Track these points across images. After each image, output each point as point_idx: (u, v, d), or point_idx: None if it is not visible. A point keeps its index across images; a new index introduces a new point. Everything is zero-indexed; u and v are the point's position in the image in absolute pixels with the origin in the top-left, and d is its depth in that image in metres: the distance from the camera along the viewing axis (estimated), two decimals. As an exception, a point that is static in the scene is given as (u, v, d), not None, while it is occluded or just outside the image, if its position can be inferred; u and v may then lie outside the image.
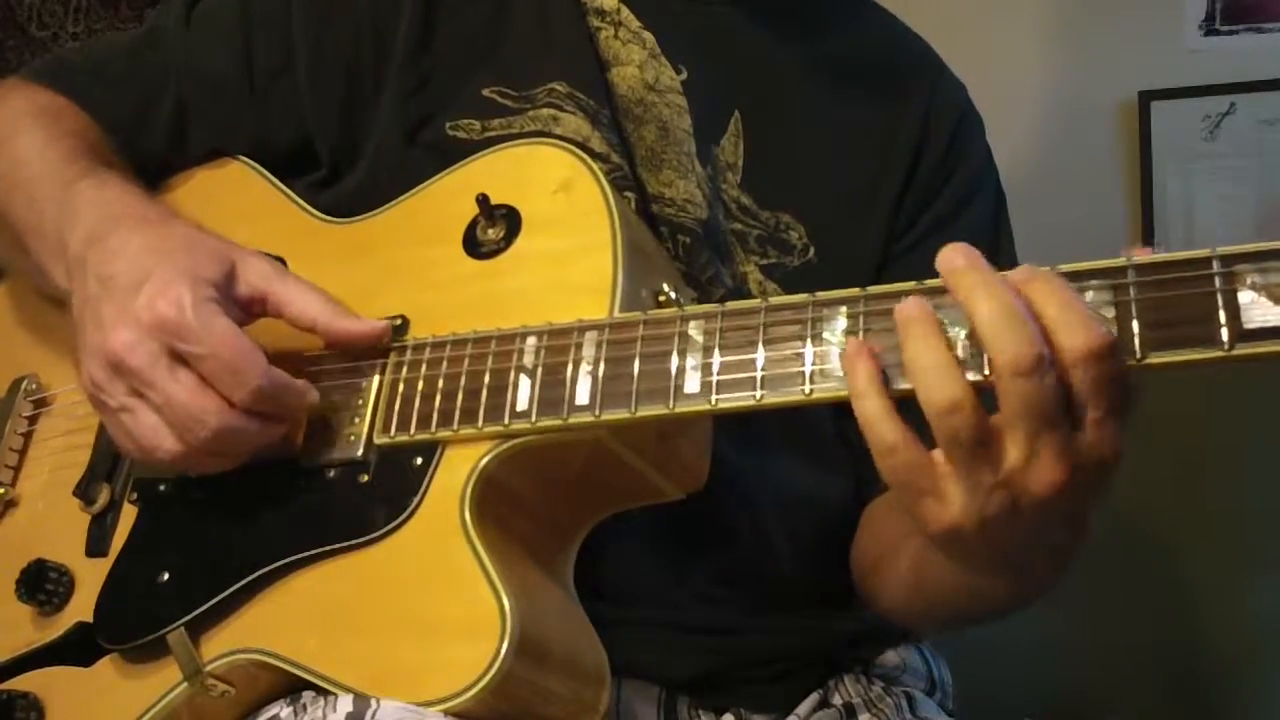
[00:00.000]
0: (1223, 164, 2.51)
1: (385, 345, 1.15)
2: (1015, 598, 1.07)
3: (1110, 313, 0.88)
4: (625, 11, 1.37)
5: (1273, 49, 2.52)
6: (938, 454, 0.90)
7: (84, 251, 1.16)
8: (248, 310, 1.13)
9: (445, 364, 1.11)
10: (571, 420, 1.04)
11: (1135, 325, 0.87)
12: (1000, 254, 1.45)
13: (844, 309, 0.97)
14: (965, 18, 2.55)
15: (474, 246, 1.18)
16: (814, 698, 1.32)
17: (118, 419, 1.11)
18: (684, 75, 1.37)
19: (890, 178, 1.40)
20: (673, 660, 1.25)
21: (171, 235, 1.16)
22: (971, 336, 0.90)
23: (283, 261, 1.26)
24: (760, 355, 0.99)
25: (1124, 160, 2.53)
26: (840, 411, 1.36)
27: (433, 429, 1.09)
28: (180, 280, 1.09)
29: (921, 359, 0.88)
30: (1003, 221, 1.48)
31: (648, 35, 1.37)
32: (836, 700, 1.33)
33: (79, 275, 1.15)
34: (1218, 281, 0.86)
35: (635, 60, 1.36)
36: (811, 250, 1.36)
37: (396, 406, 1.12)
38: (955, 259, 0.90)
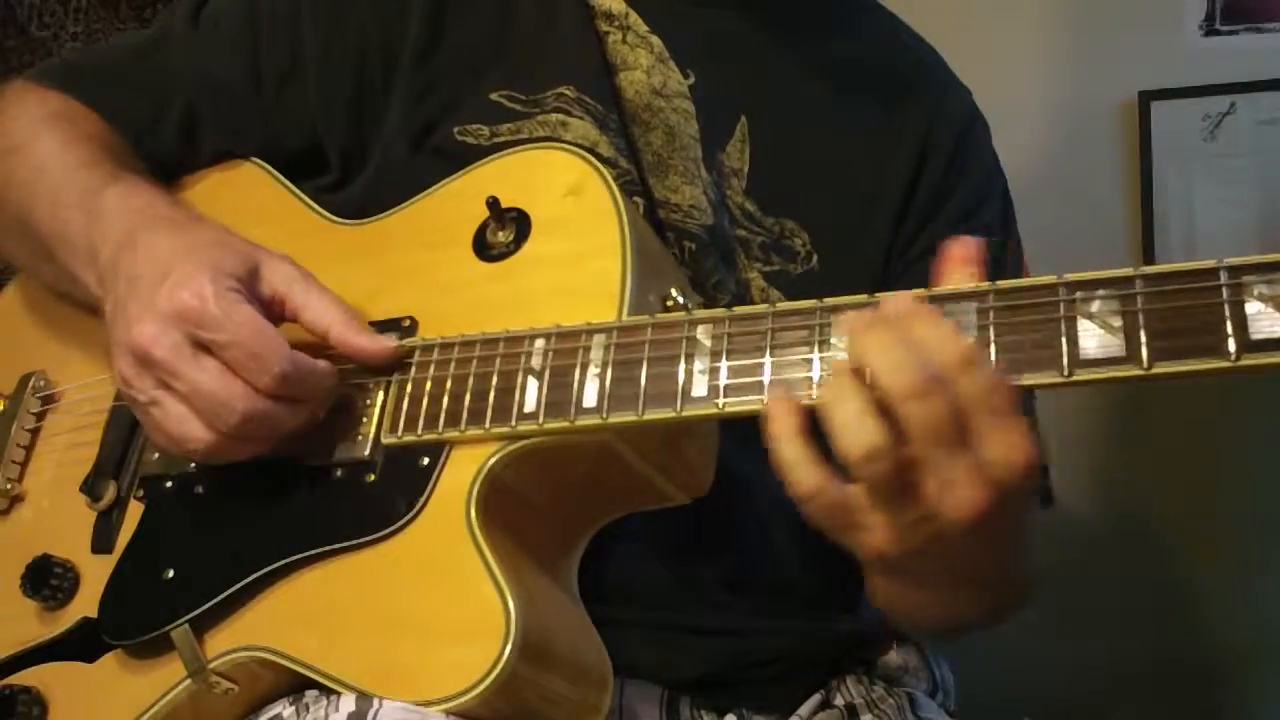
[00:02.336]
0: (1223, 164, 2.50)
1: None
2: (988, 610, 1.10)
3: (1117, 322, 0.89)
4: (633, 15, 1.37)
5: (1273, 49, 2.52)
6: (857, 489, 0.91)
7: (116, 257, 1.16)
8: (269, 310, 1.13)
9: (453, 365, 1.12)
10: (578, 423, 1.05)
11: (1142, 335, 0.88)
12: (1008, 262, 1.45)
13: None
14: (966, 18, 2.55)
15: (484, 249, 1.19)
16: (816, 698, 1.33)
17: (148, 412, 1.12)
18: (691, 80, 1.36)
19: (894, 185, 1.40)
20: (675, 661, 1.25)
21: (199, 235, 1.17)
22: (979, 346, 0.91)
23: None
24: (767, 360, 1.00)
25: (1124, 160, 2.53)
26: None
27: (440, 430, 1.10)
28: (202, 272, 1.10)
29: (836, 410, 0.89)
30: (1011, 228, 1.48)
31: (655, 39, 1.37)
32: (839, 701, 1.33)
33: (111, 281, 1.16)
34: (1225, 292, 0.86)
35: (643, 65, 1.36)
36: (815, 258, 1.36)
37: (404, 407, 1.12)
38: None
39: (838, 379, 0.90)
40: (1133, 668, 2.18)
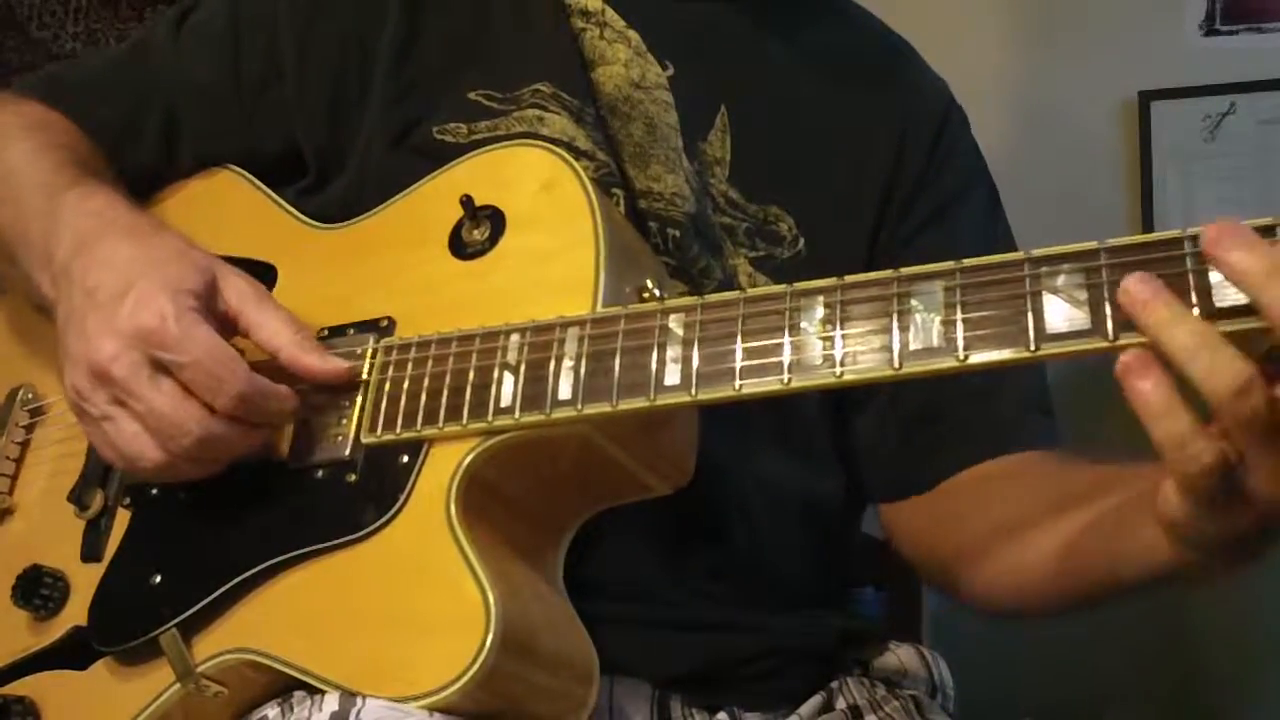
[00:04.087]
0: (1223, 164, 2.50)
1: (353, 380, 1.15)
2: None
3: (1083, 295, 0.89)
4: (609, 12, 1.38)
5: (1273, 49, 2.52)
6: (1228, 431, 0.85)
7: (69, 262, 1.17)
8: (224, 325, 1.14)
9: (430, 363, 1.12)
10: (554, 415, 1.05)
11: (1108, 308, 0.87)
12: (998, 246, 1.45)
13: (821, 298, 0.99)
14: (965, 18, 2.56)
15: (459, 247, 1.19)
16: (818, 700, 1.32)
17: (100, 428, 1.12)
18: (670, 72, 1.37)
19: (876, 171, 1.40)
20: (665, 657, 1.25)
21: (157, 246, 1.17)
22: (946, 324, 0.92)
23: (273, 268, 1.28)
24: (739, 346, 1.00)
25: (1124, 160, 2.53)
26: (833, 413, 1.38)
27: (418, 427, 1.10)
28: (163, 291, 1.10)
29: (1200, 354, 0.83)
30: (998, 213, 1.49)
31: (632, 34, 1.38)
32: (840, 704, 1.32)
33: (64, 286, 1.16)
34: (1189, 261, 0.86)
35: (620, 59, 1.36)
36: (802, 242, 1.36)
37: (383, 406, 1.13)
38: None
39: (1189, 325, 0.84)
40: (1131, 667, 2.16)
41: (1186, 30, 2.56)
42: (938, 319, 0.93)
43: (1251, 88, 2.51)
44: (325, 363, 1.14)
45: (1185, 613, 2.18)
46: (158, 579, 1.16)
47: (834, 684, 1.34)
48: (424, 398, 1.11)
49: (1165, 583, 1.05)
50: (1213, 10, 2.55)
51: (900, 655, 1.41)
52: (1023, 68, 2.57)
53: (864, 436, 1.40)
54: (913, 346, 0.94)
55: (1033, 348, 0.89)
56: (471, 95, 1.35)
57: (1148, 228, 2.49)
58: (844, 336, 0.96)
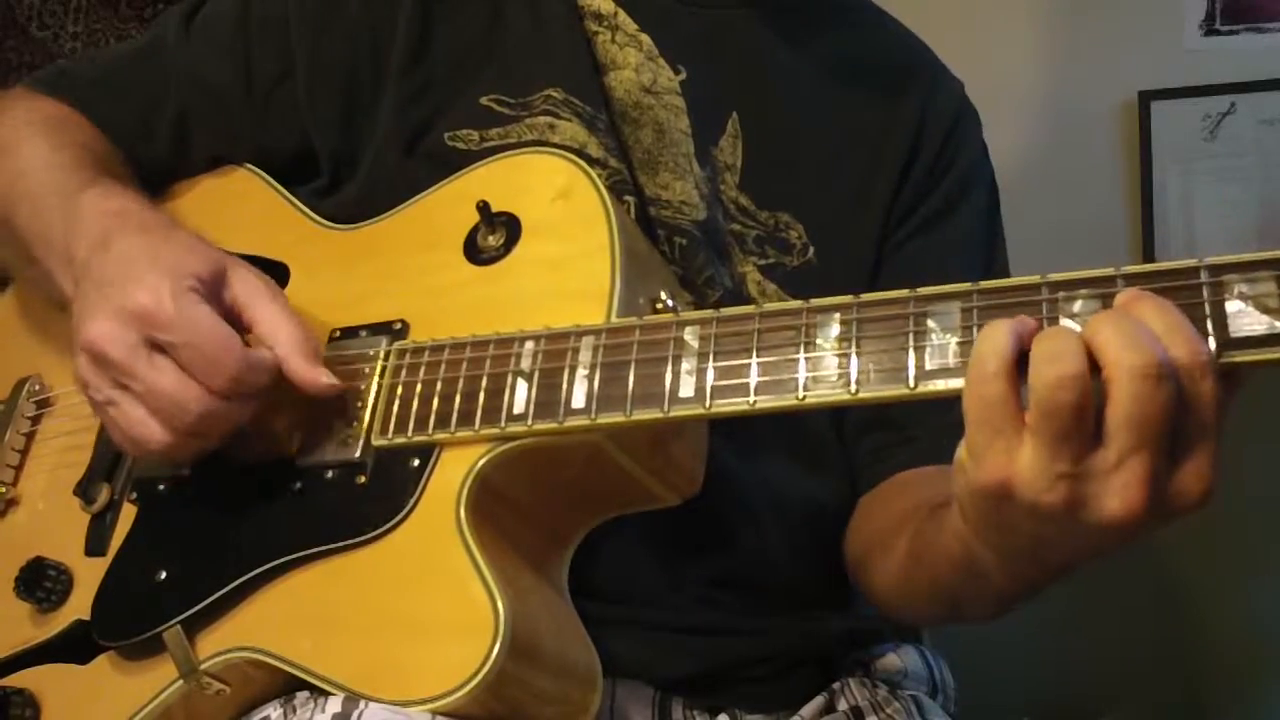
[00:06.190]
0: (1223, 164, 2.51)
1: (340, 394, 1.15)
2: (1012, 593, 1.03)
3: None
4: (622, 15, 1.38)
5: (1273, 49, 2.52)
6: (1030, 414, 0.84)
7: (89, 260, 1.17)
8: (228, 317, 1.13)
9: (443, 367, 1.12)
10: (567, 424, 1.05)
11: (1124, 334, 0.88)
12: (995, 248, 1.45)
13: (837, 315, 0.98)
14: (965, 18, 2.56)
15: (474, 253, 1.19)
16: (819, 701, 1.32)
17: (107, 413, 1.12)
18: (682, 76, 1.37)
19: (886, 176, 1.40)
20: (667, 660, 1.25)
21: (169, 240, 1.17)
22: (962, 345, 0.92)
23: (286, 268, 1.28)
24: (754, 361, 1.00)
25: (1124, 160, 2.53)
26: (836, 419, 1.38)
27: (430, 431, 1.10)
28: (163, 273, 1.10)
29: (1047, 341, 0.83)
30: (995, 218, 1.49)
31: (644, 38, 1.37)
32: (842, 705, 1.32)
33: (83, 283, 1.16)
34: (1205, 291, 0.86)
35: (632, 63, 1.36)
36: (811, 250, 1.36)
37: (395, 408, 1.13)
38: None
39: (1059, 328, 0.85)
40: (1131, 668, 2.17)
41: (1186, 30, 2.56)
42: (954, 340, 0.93)
43: (1251, 88, 2.51)
44: (314, 373, 1.13)
45: (1186, 613, 2.19)
46: (163, 575, 1.16)
47: (836, 685, 1.35)
48: (436, 402, 1.11)
49: (977, 594, 1.06)
50: (1213, 10, 2.55)
51: (901, 656, 1.41)
52: (1023, 68, 2.57)
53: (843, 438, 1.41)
54: (928, 366, 0.93)
55: (1049, 373, 0.89)
56: (484, 100, 1.34)
57: (1148, 229, 2.49)
58: (859, 354, 0.96)
